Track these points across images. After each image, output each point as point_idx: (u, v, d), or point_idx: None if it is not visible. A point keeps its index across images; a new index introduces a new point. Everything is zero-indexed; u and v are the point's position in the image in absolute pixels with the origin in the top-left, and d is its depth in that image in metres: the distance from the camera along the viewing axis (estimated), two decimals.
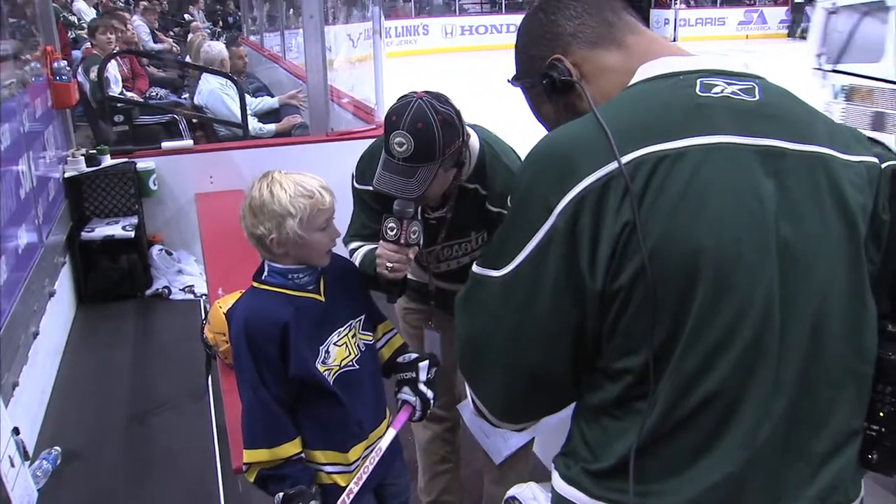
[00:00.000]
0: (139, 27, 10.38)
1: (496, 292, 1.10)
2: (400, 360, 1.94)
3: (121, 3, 12.85)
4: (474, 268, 1.15)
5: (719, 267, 0.98)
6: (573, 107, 1.19)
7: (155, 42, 10.73)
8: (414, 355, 1.95)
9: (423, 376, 1.91)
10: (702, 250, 0.98)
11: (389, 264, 1.86)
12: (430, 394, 1.91)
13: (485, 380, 1.17)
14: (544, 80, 1.20)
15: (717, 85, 1.07)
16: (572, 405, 1.18)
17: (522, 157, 2.10)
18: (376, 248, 1.90)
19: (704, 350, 0.99)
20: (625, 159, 1.00)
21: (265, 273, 1.76)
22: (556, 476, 1.15)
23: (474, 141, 2.00)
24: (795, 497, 1.05)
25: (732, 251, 0.99)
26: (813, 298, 1.03)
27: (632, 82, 1.14)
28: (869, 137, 1.17)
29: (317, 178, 1.73)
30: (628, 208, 0.98)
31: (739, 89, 1.07)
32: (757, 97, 1.07)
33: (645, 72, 1.13)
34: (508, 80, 1.30)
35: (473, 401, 1.21)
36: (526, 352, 1.10)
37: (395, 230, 1.83)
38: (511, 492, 1.27)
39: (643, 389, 1.03)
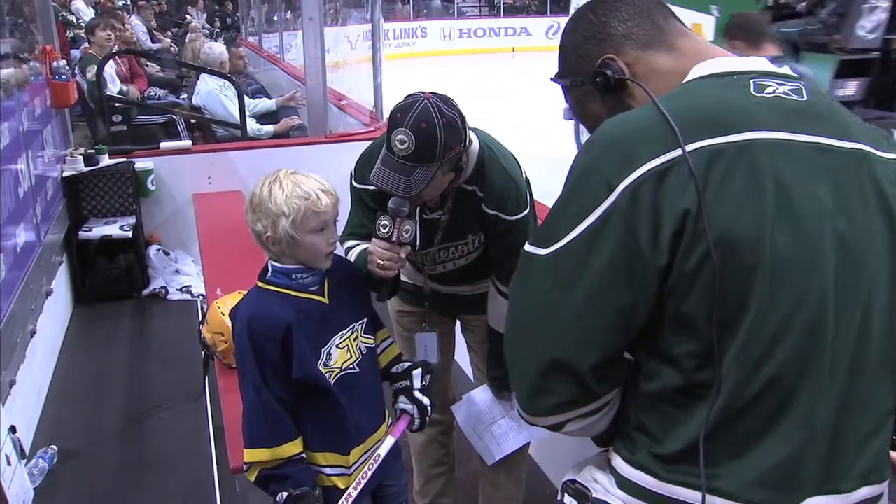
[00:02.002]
0: (136, 27, 10.40)
1: (543, 269, 1.11)
2: (394, 370, 1.95)
3: (120, 3, 12.84)
4: (525, 246, 1.16)
5: (779, 258, 1.02)
6: (623, 104, 1.22)
7: (153, 42, 10.74)
8: (407, 364, 1.96)
9: (417, 384, 1.92)
10: (762, 241, 1.02)
11: (380, 261, 1.87)
12: (426, 401, 1.92)
13: (518, 363, 1.17)
14: (597, 78, 1.22)
15: (769, 85, 1.12)
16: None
17: (521, 162, 2.14)
18: None
19: (766, 336, 1.03)
20: (688, 148, 1.03)
21: (269, 273, 1.76)
22: (619, 460, 1.16)
23: (474, 143, 2.01)
24: (844, 476, 1.10)
25: (791, 244, 1.03)
26: (862, 290, 1.08)
27: (687, 79, 1.17)
28: None
29: (322, 180, 1.73)
30: (689, 195, 1.01)
31: (790, 89, 1.12)
32: (805, 97, 1.12)
33: (700, 70, 1.17)
34: (551, 79, 1.32)
35: (517, 406, 1.22)
36: (559, 335, 1.10)
37: (388, 227, 1.84)
38: (569, 475, 1.26)
39: (705, 375, 1.06)
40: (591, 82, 1.24)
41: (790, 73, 1.17)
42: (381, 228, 1.85)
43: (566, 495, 1.24)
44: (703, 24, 6.93)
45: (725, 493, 1.07)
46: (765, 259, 1.02)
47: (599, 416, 1.18)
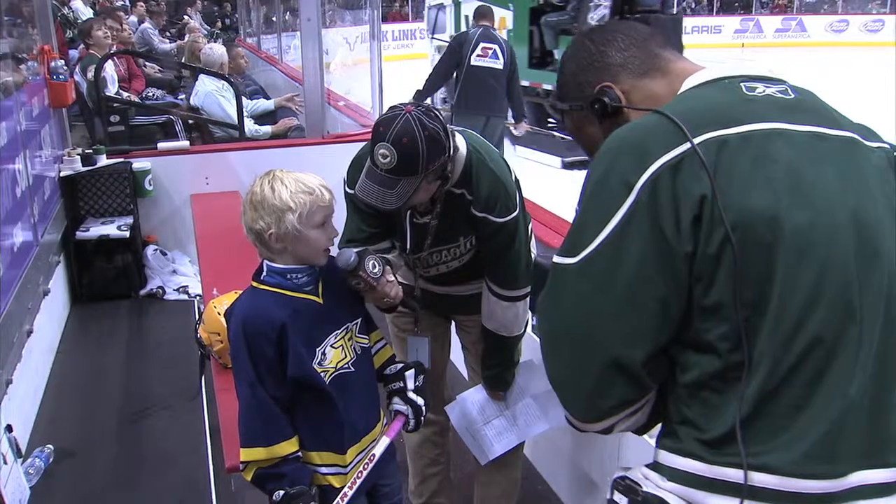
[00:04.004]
0: (146, 29, 10.45)
1: (576, 277, 1.15)
2: (388, 371, 1.96)
3: (118, 3, 12.83)
4: (553, 258, 1.20)
5: (798, 233, 1.07)
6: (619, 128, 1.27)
7: (171, 42, 10.85)
8: (400, 365, 1.97)
9: (410, 385, 1.93)
10: (779, 219, 1.07)
11: (385, 301, 1.88)
12: (420, 401, 1.92)
13: (570, 375, 1.19)
14: (595, 104, 1.30)
15: (758, 87, 1.20)
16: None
17: (510, 164, 2.14)
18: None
19: (795, 310, 1.07)
20: (695, 141, 1.09)
21: (264, 273, 1.77)
22: (665, 454, 1.18)
23: (462, 146, 2.02)
24: (882, 448, 1.12)
25: (808, 219, 1.08)
26: (885, 261, 1.11)
27: (680, 92, 1.25)
28: None
29: (317, 177, 1.76)
30: (704, 182, 1.07)
31: (777, 90, 1.20)
32: (792, 95, 1.20)
33: (691, 81, 1.25)
34: (549, 104, 1.38)
35: (567, 416, 1.23)
36: (607, 335, 1.13)
37: (357, 282, 1.81)
38: (618, 473, 1.27)
39: (741, 356, 1.09)
40: (588, 108, 1.31)
41: (774, 76, 1.24)
42: (354, 285, 1.83)
43: (616, 492, 1.25)
44: (506, 16, 9.89)
45: (774, 468, 1.09)
46: (784, 235, 1.06)
47: (642, 412, 1.21)
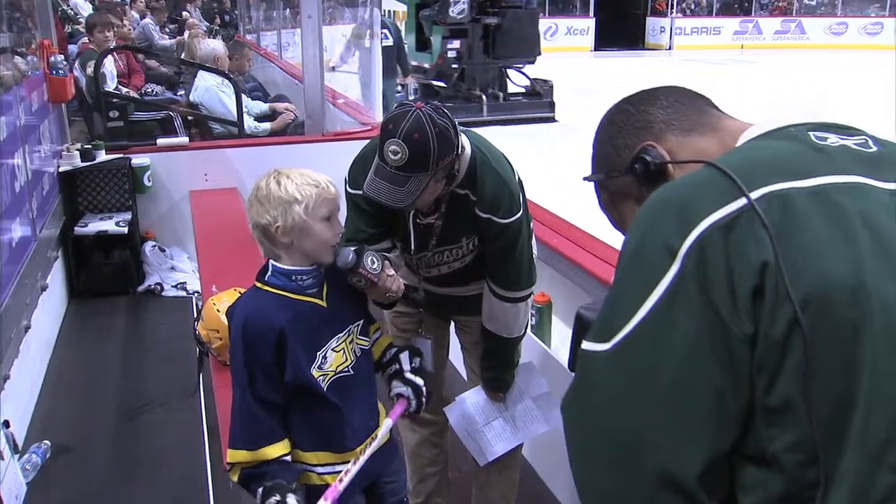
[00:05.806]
0: (147, 25, 10.45)
1: (610, 367, 0.92)
2: (384, 359, 1.97)
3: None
4: (582, 345, 0.97)
5: (889, 309, 0.84)
6: None
7: (171, 38, 10.85)
8: (394, 349, 1.97)
9: (406, 366, 1.94)
10: (864, 292, 0.84)
11: (387, 296, 1.90)
12: (419, 381, 1.93)
13: (604, 498, 0.95)
14: (636, 164, 1.10)
15: (829, 137, 0.99)
16: None
17: (514, 164, 2.14)
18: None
19: (891, 410, 0.83)
20: (752, 196, 0.88)
21: (269, 273, 1.77)
22: None
23: (466, 147, 2.01)
24: None
25: None
26: None
27: (737, 145, 1.06)
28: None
29: (324, 175, 1.77)
30: (764, 246, 0.85)
31: (854, 142, 0.98)
32: (874, 148, 0.98)
33: (750, 133, 1.06)
34: (585, 178, 1.21)
35: None
36: (652, 441, 0.89)
37: (358, 279, 1.82)
38: None
39: (816, 473, 0.86)
40: (628, 171, 1.11)
41: (851, 125, 1.04)
42: (356, 283, 1.84)
43: None
44: (404, 9, 12.77)
45: None
46: (872, 312, 0.83)
47: None
